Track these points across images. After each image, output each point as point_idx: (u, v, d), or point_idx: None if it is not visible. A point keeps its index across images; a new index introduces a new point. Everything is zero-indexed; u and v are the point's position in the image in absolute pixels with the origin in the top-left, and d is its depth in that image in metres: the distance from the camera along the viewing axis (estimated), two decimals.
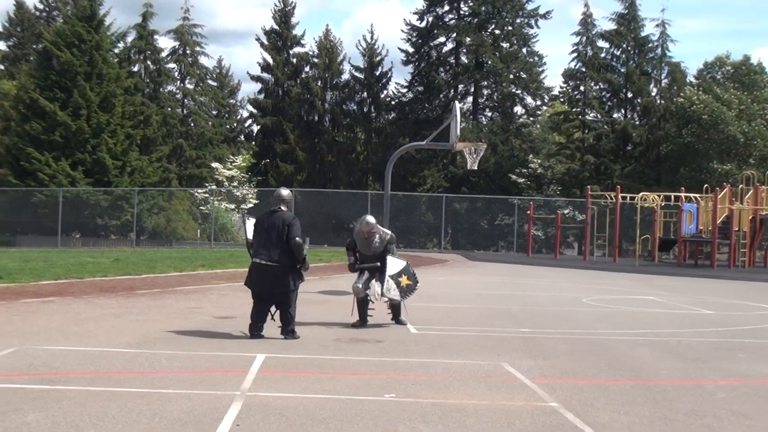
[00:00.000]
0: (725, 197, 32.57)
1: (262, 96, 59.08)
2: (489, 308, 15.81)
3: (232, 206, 46.61)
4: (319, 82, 58.81)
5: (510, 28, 55.27)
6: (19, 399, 7.12)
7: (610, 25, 53.79)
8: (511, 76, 54.68)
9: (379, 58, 58.74)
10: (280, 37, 58.87)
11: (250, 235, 11.63)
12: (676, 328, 13.75)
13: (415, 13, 56.94)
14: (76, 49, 45.90)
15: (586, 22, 54.39)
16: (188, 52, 59.12)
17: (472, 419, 6.88)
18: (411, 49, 56.52)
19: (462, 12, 55.85)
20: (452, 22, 55.49)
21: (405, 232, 45.85)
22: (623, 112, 54.81)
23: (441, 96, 55.68)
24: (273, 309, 11.21)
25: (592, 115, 54.38)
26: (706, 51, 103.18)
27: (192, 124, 58.92)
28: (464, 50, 55.89)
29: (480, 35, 54.05)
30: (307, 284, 19.06)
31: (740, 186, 34.49)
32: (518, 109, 57.10)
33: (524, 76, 54.69)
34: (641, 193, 34.79)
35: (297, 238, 10.96)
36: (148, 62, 57.58)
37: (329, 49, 59.39)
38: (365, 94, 59.06)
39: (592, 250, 36.83)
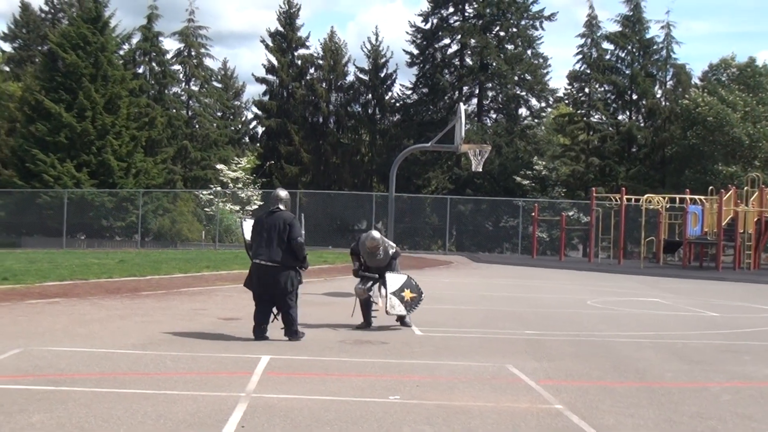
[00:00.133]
0: (730, 199, 32.53)
1: (266, 98, 59.16)
2: (494, 310, 15.80)
3: (237, 208, 46.60)
4: (324, 84, 58.86)
5: (515, 29, 55.29)
6: (25, 400, 7.13)
7: (615, 27, 53.90)
8: (516, 78, 54.69)
9: (383, 60, 58.83)
10: (284, 38, 58.93)
11: (248, 236, 11.60)
12: (681, 330, 13.73)
13: (419, 15, 57.05)
14: (81, 50, 46.00)
15: (591, 23, 54.40)
16: (193, 53, 59.20)
17: (477, 421, 6.88)
18: (415, 51, 56.59)
19: (467, 14, 55.87)
20: (457, 23, 55.51)
21: (410, 233, 45.91)
22: (628, 114, 54.81)
23: (445, 98, 55.70)
24: (275, 310, 11.20)
25: (596, 116, 54.35)
26: (711, 53, 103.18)
27: (197, 126, 58.98)
28: (469, 52, 55.90)
29: (485, 37, 54.06)
30: (312, 286, 19.09)
31: (745, 188, 34.44)
32: (523, 111, 57.21)
33: (529, 77, 54.69)
34: (646, 195, 34.76)
35: (299, 238, 10.96)
36: (153, 64, 57.67)
37: (334, 50, 59.45)
38: (370, 95, 59.12)
39: (597, 252, 36.83)
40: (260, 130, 62.20)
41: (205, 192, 49.54)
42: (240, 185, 51.23)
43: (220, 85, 64.08)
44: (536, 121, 58.07)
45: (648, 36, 53.34)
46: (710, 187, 35.56)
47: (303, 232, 11.39)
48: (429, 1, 55.96)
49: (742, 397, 8.27)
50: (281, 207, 11.12)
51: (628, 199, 35.16)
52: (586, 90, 54.42)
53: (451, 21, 56.10)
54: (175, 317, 13.20)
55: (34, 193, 42.87)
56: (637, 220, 35.51)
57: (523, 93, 55.87)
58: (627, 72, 53.57)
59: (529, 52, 55.33)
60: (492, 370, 9.28)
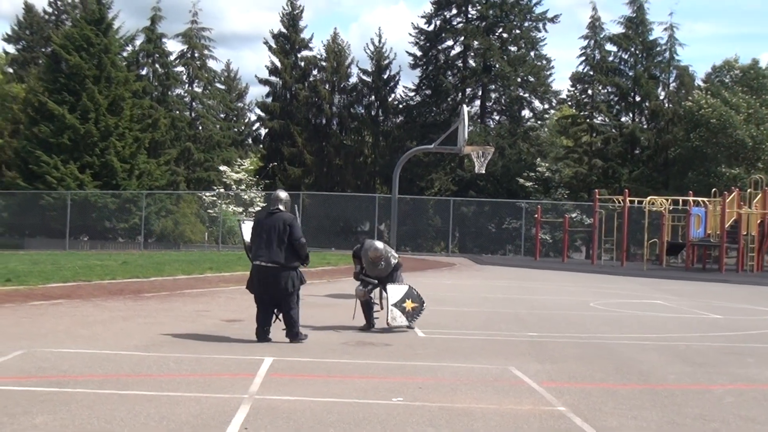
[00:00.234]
0: (733, 201, 32.50)
1: (270, 99, 59.17)
2: (496, 312, 15.80)
3: (240, 209, 46.64)
4: (327, 86, 58.87)
5: (518, 31, 55.29)
6: (28, 401, 7.14)
7: (618, 29, 53.88)
8: (519, 80, 54.66)
9: (386, 62, 58.82)
10: (288, 40, 58.95)
11: (247, 237, 11.57)
12: (684, 332, 13.72)
13: (422, 17, 57.06)
14: (84, 52, 46.04)
15: (594, 25, 54.37)
16: (196, 55, 59.23)
17: (480, 423, 6.88)
18: (419, 53, 56.59)
19: (470, 15, 55.88)
20: (460, 25, 55.51)
21: (412, 235, 45.91)
22: (631, 115, 54.78)
23: (449, 99, 55.71)
24: (277, 311, 11.18)
25: (599, 118, 54.31)
26: (715, 55, 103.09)
27: (200, 128, 59.01)
28: (472, 54, 55.88)
29: (488, 39, 54.07)
30: (315, 287, 19.10)
31: (748, 190, 34.40)
32: (526, 113, 57.16)
33: (532, 79, 54.65)
34: (649, 197, 34.74)
35: (302, 239, 10.96)
36: (157, 65, 57.70)
37: (337, 52, 59.46)
38: (373, 97, 59.12)
39: (600, 254, 36.79)
40: (263, 131, 62.21)
41: (208, 194, 49.60)
42: (243, 187, 51.31)
43: (223, 87, 64.10)
44: (539, 122, 58.05)
45: (651, 38, 53.35)
46: (713, 189, 35.54)
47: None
48: (432, 3, 55.98)
49: (746, 400, 8.26)
50: (281, 208, 11.07)
51: (631, 201, 35.14)
52: (589, 92, 54.41)
53: (454, 23, 56.11)
54: (178, 319, 13.21)
55: (38, 194, 42.91)
56: (640, 222, 35.49)
57: (526, 95, 55.86)
58: (630, 74, 53.55)
59: (532, 53, 55.32)
60: (495, 372, 9.27)
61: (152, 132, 50.47)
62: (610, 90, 54.36)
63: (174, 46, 60.76)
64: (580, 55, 54.40)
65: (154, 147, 52.31)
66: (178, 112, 57.57)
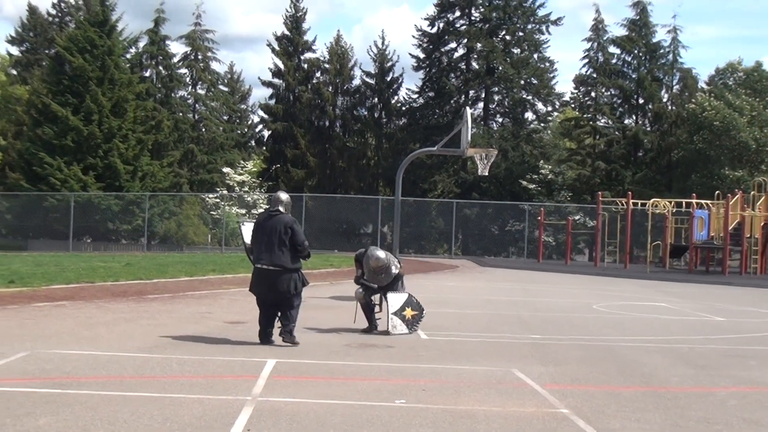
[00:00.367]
0: (737, 204, 32.49)
1: (273, 101, 59.16)
2: (499, 314, 15.80)
3: (243, 211, 46.65)
4: (330, 88, 58.85)
5: (521, 34, 55.22)
6: (32, 403, 7.15)
7: (622, 31, 53.80)
8: (522, 82, 54.60)
9: (390, 64, 58.79)
10: (291, 42, 58.96)
11: (248, 239, 11.55)
12: (687, 334, 13.71)
13: (426, 19, 56.93)
14: (88, 54, 46.08)
15: (598, 28, 54.33)
16: (200, 57, 59.23)
17: (483, 425, 6.88)
18: (422, 55, 56.52)
19: (473, 18, 55.85)
20: (463, 28, 55.47)
21: (415, 237, 45.89)
22: (634, 118, 54.71)
23: (452, 102, 55.67)
24: (280, 313, 11.17)
25: (603, 121, 54.24)
26: (718, 57, 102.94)
27: (203, 129, 59.01)
28: (475, 56, 55.82)
29: (491, 41, 54.02)
30: (317, 289, 19.11)
31: (752, 192, 34.38)
32: (529, 115, 57.01)
33: (535, 81, 54.60)
34: (652, 200, 34.74)
35: (305, 243, 10.96)
36: (160, 67, 57.73)
37: (340, 54, 59.44)
38: (376, 99, 59.09)
39: (603, 256, 36.76)
40: (266, 133, 62.14)
41: (211, 195, 49.60)
42: (246, 189, 51.30)
43: (226, 89, 64.10)
44: (542, 125, 57.95)
45: (654, 40, 53.25)
46: (717, 192, 35.51)
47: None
48: (435, 5, 55.92)
49: (749, 402, 8.26)
50: (281, 209, 11.03)
51: (635, 204, 35.13)
52: (593, 94, 54.35)
53: (458, 25, 56.05)
54: (181, 320, 13.22)
55: (41, 196, 42.94)
56: (643, 224, 35.48)
57: (530, 97, 55.76)
58: (633, 76, 53.47)
59: (535, 56, 55.23)
60: (498, 375, 9.28)
61: (155, 134, 50.49)
62: (613, 92, 54.29)
63: (177, 48, 60.62)
64: (584, 58, 54.37)
65: (158, 149, 52.33)
66: (181, 114, 57.58)
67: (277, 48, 58.74)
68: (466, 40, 54.93)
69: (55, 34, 56.92)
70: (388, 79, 58.76)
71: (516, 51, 55.53)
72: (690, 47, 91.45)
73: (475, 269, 32.34)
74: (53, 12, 63.17)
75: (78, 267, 23.58)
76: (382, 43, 58.98)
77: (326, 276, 24.28)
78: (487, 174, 21.41)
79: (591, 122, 54.07)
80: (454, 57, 56.63)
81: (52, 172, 43.52)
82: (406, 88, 69.26)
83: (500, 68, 53.72)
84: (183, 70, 59.05)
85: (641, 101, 53.80)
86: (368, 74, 59.04)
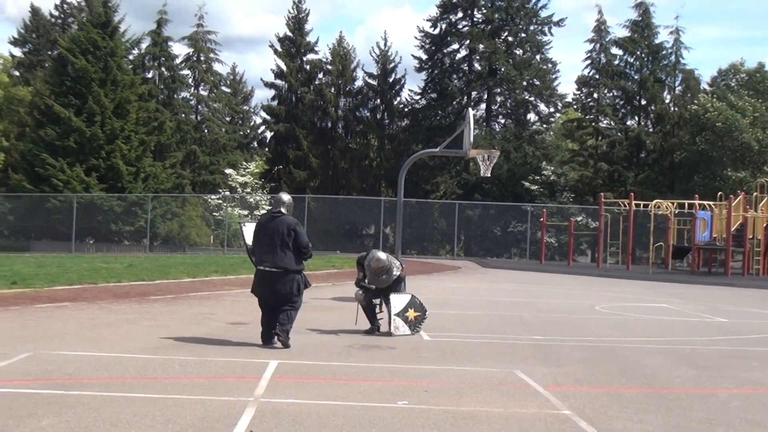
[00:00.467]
0: (739, 205, 32.47)
1: (275, 102, 59.21)
2: (502, 315, 15.80)
3: (246, 212, 46.67)
4: (333, 89, 58.86)
5: (523, 35, 55.24)
6: (34, 404, 7.16)
7: (624, 32, 53.81)
8: (525, 83, 54.63)
9: (392, 65, 58.79)
10: (293, 43, 58.99)
11: (249, 240, 11.53)
12: (689, 336, 13.70)
13: (428, 20, 56.95)
14: (91, 55, 46.10)
15: (600, 29, 54.32)
16: (202, 58, 59.28)
17: (485, 426, 6.88)
18: (424, 56, 56.56)
19: (475, 19, 55.84)
20: (465, 29, 55.48)
21: (418, 238, 45.90)
22: (637, 119, 54.71)
23: (454, 103, 55.67)
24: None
25: (605, 122, 54.24)
26: (720, 58, 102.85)
27: (206, 131, 59.05)
28: (477, 57, 55.86)
29: (493, 42, 54.03)
30: (319, 291, 19.12)
31: (754, 193, 34.35)
32: (531, 116, 57.08)
33: (537, 83, 54.63)
34: (655, 201, 34.72)
35: (309, 245, 10.96)
36: (163, 69, 57.77)
37: (342, 55, 59.46)
38: (378, 100, 59.11)
39: (605, 257, 36.77)
40: (269, 134, 62.23)
41: (213, 196, 49.63)
42: (248, 190, 51.33)
43: (228, 90, 64.15)
44: (545, 126, 58.00)
45: (657, 41, 53.23)
46: (719, 193, 35.47)
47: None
48: (438, 7, 55.93)
49: (752, 404, 8.25)
50: (283, 211, 11.00)
51: (637, 205, 35.11)
52: (595, 95, 54.34)
53: (460, 26, 56.06)
54: (184, 322, 13.23)
55: (44, 197, 42.95)
56: (645, 225, 35.45)
57: (532, 98, 55.79)
58: (636, 77, 53.47)
59: (537, 57, 55.25)
60: (500, 376, 9.27)
61: (158, 135, 50.50)
62: (615, 93, 54.30)
63: (180, 50, 60.79)
64: (586, 59, 54.39)
65: (160, 150, 52.33)
66: (183, 115, 57.63)
67: (279, 49, 58.80)
68: (468, 42, 54.96)
69: (57, 35, 57.01)
70: (391, 80, 58.78)
71: (518, 52, 55.56)
72: (692, 48, 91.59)
73: (477, 270, 32.33)
74: (56, 13, 63.31)
75: (80, 268, 23.60)
76: (385, 44, 59.10)
77: (328, 277, 24.28)
78: (489, 175, 21.47)
79: (593, 123, 54.05)
80: (457, 58, 56.66)
81: (55, 174, 43.54)
82: (409, 90, 69.47)
83: (503, 69, 53.72)
84: (185, 72, 59.10)
85: (644, 102, 53.81)
86: (370, 75, 59.12)
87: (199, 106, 59.65)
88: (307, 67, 59.27)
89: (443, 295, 19.64)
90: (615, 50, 54.05)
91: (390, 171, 53.94)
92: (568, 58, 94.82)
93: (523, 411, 7.49)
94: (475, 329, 13.51)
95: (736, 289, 26.20)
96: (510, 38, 55.47)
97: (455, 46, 56.30)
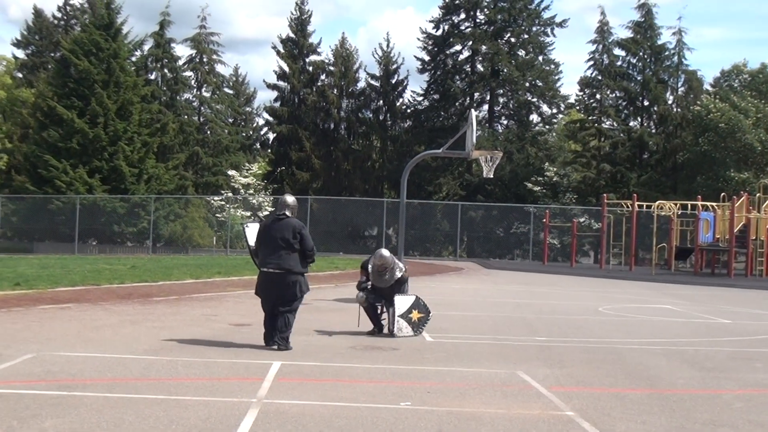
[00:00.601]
0: (742, 206, 32.43)
1: (278, 104, 59.23)
2: (504, 316, 15.79)
3: (248, 214, 46.69)
4: (335, 90, 58.87)
5: (526, 36, 55.24)
6: (37, 405, 7.16)
7: (627, 33, 53.85)
8: (527, 84, 54.65)
9: (395, 66, 58.78)
10: (296, 45, 59.01)
11: (252, 241, 11.52)
12: (692, 337, 13.69)
13: (431, 22, 57.03)
14: (93, 57, 46.19)
15: (603, 30, 54.32)
16: (205, 60, 59.36)
17: (488, 428, 6.87)
18: (427, 57, 56.60)
19: (478, 20, 55.87)
20: (468, 30, 55.50)
21: (420, 240, 45.89)
22: (639, 120, 54.69)
23: (457, 104, 55.68)
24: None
25: (608, 123, 54.27)
26: (723, 59, 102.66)
27: (208, 132, 59.13)
28: (480, 58, 55.88)
29: (496, 43, 54.04)
30: (322, 292, 19.12)
31: (757, 194, 34.32)
32: (534, 117, 57.10)
33: (540, 84, 54.63)
34: (658, 202, 34.68)
35: (314, 248, 10.96)
36: (165, 70, 57.86)
37: (345, 57, 59.44)
38: (381, 102, 59.11)
39: (608, 258, 36.73)
40: (271, 136, 62.26)
41: (216, 198, 49.69)
42: (251, 191, 51.36)
43: (231, 92, 64.23)
44: (547, 127, 57.99)
45: (659, 42, 53.23)
46: (722, 194, 35.45)
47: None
48: (440, 8, 56.02)
49: (755, 405, 8.24)
50: (288, 214, 10.98)
51: (640, 206, 35.08)
52: (598, 96, 54.35)
53: (463, 27, 56.09)
54: (187, 323, 13.23)
55: (47, 198, 43.02)
56: (648, 226, 35.41)
57: (535, 99, 55.80)
58: (638, 78, 53.47)
59: (540, 58, 55.26)
60: (503, 377, 9.27)
61: (161, 136, 50.58)
62: (618, 94, 54.32)
63: (182, 51, 60.87)
64: (589, 60, 54.44)
65: (163, 151, 52.42)
66: (186, 116, 57.69)
67: (281, 51, 58.83)
68: (471, 43, 54.99)
69: (60, 37, 57.09)
70: (393, 81, 58.76)
71: (521, 53, 55.59)
72: (695, 49, 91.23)
73: (480, 271, 32.32)
74: (59, 15, 63.40)
75: (83, 269, 23.62)
76: (387, 46, 59.05)
77: (331, 278, 24.28)
78: (492, 176, 21.45)
79: (596, 124, 54.05)
80: (459, 59, 56.70)
81: (58, 175, 43.61)
82: (411, 91, 69.36)
83: (505, 70, 53.74)
84: (188, 73, 59.23)
85: (646, 103, 53.81)
86: (373, 77, 59.12)
87: (202, 108, 59.73)
88: (310, 68, 59.30)
89: (446, 296, 19.63)
90: (618, 51, 54.14)
91: (393, 172, 53.91)
92: (571, 59, 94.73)
93: (526, 412, 7.48)
94: (478, 330, 13.50)
95: (739, 290, 26.16)
96: (513, 39, 55.48)
97: (458, 47, 56.39)
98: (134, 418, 6.77)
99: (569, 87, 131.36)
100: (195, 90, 59.76)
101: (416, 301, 12.52)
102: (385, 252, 12.54)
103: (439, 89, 55.94)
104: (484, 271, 32.98)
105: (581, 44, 76.80)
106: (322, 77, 59.71)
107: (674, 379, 9.53)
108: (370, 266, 12.54)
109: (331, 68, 59.28)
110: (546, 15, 55.24)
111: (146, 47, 56.29)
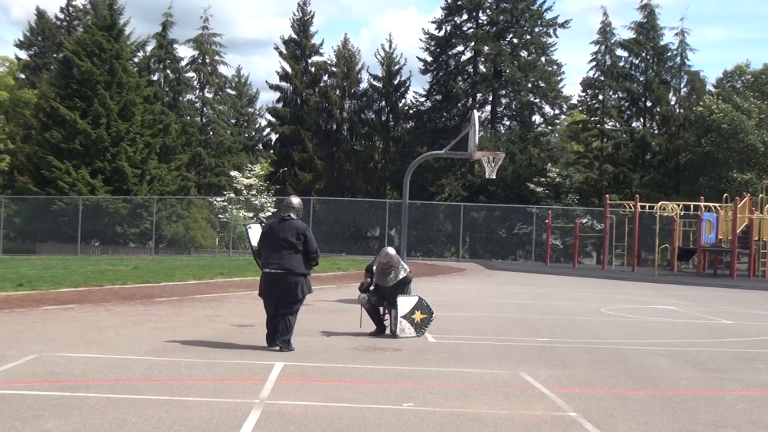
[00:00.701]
0: (745, 206, 32.40)
1: (280, 105, 59.27)
2: (507, 317, 15.78)
3: (251, 214, 46.69)
4: (338, 91, 58.88)
5: (528, 37, 55.25)
6: (40, 406, 7.17)
7: (629, 34, 53.82)
8: (530, 85, 54.63)
9: (397, 67, 58.80)
10: (298, 46, 59.04)
11: (254, 242, 11.52)
12: (695, 338, 13.68)
13: (433, 22, 57.06)
14: (96, 58, 46.25)
15: (605, 30, 54.30)
16: (207, 61, 59.40)
17: (491, 429, 6.87)
18: (429, 58, 56.61)
19: (480, 21, 55.88)
20: (470, 31, 55.49)
21: (423, 240, 45.86)
22: (642, 121, 54.66)
23: (459, 105, 55.70)
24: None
25: (610, 124, 54.25)
26: (726, 60, 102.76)
27: (211, 133, 59.17)
28: (482, 59, 55.89)
29: (498, 44, 54.05)
30: (325, 293, 19.13)
31: (760, 195, 34.30)
32: (536, 118, 57.09)
33: (543, 85, 54.61)
34: (660, 203, 34.64)
35: (318, 250, 10.96)
36: (168, 71, 57.90)
37: (347, 58, 59.47)
38: (383, 102, 59.12)
39: (611, 259, 36.70)
40: (274, 137, 62.30)
41: (218, 199, 49.67)
42: (253, 192, 51.34)
43: (233, 92, 64.27)
44: (550, 128, 57.98)
45: (662, 43, 53.20)
46: (725, 195, 35.42)
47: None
48: (442, 9, 56.05)
49: (758, 405, 8.24)
50: (292, 215, 11.00)
51: (642, 207, 35.05)
52: (600, 97, 54.32)
53: (465, 28, 56.09)
54: (189, 324, 13.24)
55: (49, 199, 43.05)
56: (651, 227, 35.38)
57: (537, 100, 55.80)
58: (641, 79, 53.45)
59: (542, 59, 55.23)
60: (505, 378, 9.27)
61: (163, 137, 50.62)
62: (620, 95, 54.29)
63: (185, 52, 61.04)
64: (591, 61, 54.44)
65: (165, 152, 52.46)
66: (189, 117, 57.73)
67: (284, 51, 58.85)
68: (473, 43, 54.99)
69: (63, 38, 57.15)
70: (396, 82, 58.78)
71: (523, 54, 55.60)
72: (698, 50, 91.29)
73: (482, 272, 32.30)
74: (61, 16, 63.49)
75: (86, 270, 23.63)
76: (390, 47, 59.06)
77: (333, 279, 24.28)
78: (494, 177, 21.43)
79: (598, 125, 54.03)
80: (462, 60, 56.71)
81: (60, 176, 43.66)
82: (414, 92, 69.28)
83: (507, 71, 53.75)
84: (191, 74, 59.27)
85: (649, 104, 53.78)
86: (375, 77, 59.11)
87: (204, 109, 59.78)
88: (312, 69, 59.32)
89: (448, 297, 19.62)
90: (620, 52, 54.10)
91: (395, 173, 53.95)
92: (573, 60, 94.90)
93: (528, 413, 7.48)
94: (481, 331, 13.49)
95: (741, 291, 26.14)
96: (515, 40, 55.48)
97: (460, 48, 56.35)
98: (137, 419, 6.78)
99: (572, 88, 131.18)
100: (197, 91, 59.82)
101: (419, 302, 12.52)
102: (392, 250, 12.56)
103: (442, 90, 55.94)
104: (487, 271, 32.96)
105: (584, 45, 77.21)
106: (325, 78, 59.74)
107: (677, 380, 9.52)
108: (375, 266, 12.56)
109: (334, 69, 59.30)
110: (548, 16, 55.30)
111: (149, 48, 56.43)
